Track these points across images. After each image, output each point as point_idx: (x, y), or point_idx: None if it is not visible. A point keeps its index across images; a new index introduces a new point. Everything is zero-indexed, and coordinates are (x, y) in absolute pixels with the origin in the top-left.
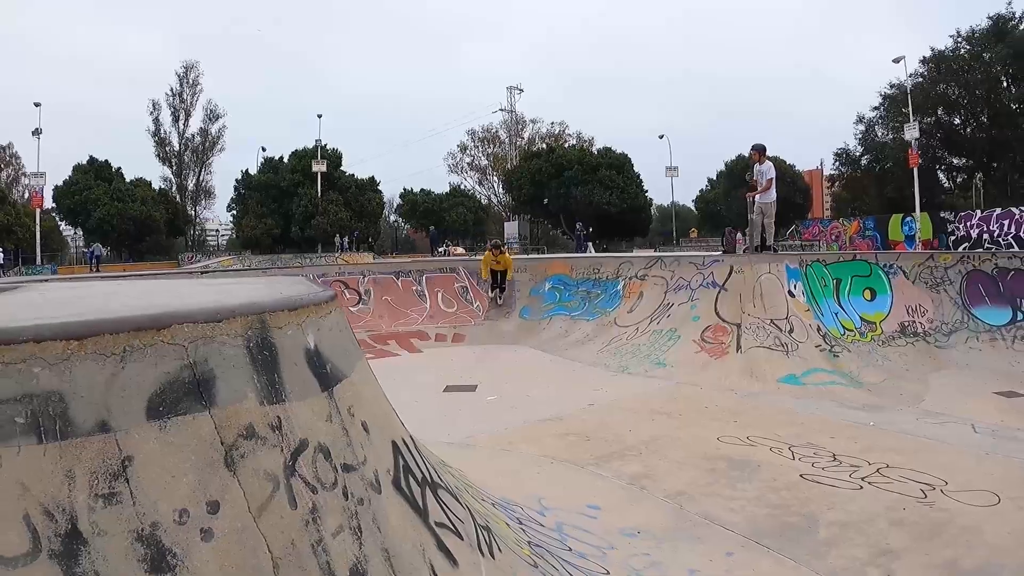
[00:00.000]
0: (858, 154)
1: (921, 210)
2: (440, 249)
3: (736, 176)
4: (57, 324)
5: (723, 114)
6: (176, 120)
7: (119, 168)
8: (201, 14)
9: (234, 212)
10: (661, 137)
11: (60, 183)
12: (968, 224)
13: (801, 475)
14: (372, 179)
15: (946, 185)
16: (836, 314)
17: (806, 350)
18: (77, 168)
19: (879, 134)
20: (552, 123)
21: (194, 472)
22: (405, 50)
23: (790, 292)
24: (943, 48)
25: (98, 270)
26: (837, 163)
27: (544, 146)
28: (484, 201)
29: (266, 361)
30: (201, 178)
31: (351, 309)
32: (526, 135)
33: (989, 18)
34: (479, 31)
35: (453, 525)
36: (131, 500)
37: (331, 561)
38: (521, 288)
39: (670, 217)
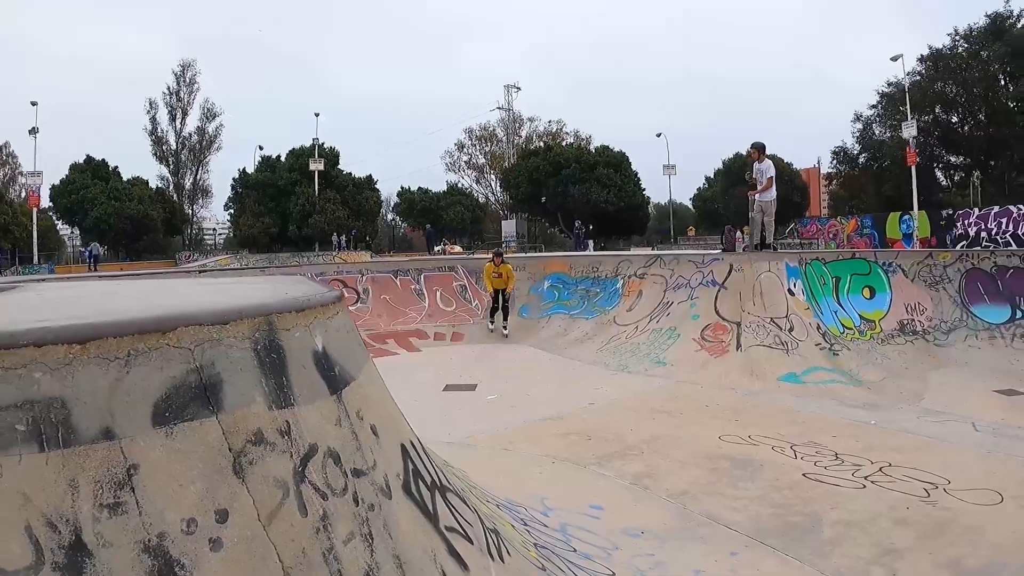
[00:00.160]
0: (856, 152)
1: (919, 208)
2: (437, 248)
3: (734, 174)
4: (59, 327)
5: (723, 114)
6: (173, 119)
7: (116, 167)
8: (201, 14)
9: (231, 211)
10: (659, 135)
11: (57, 182)
12: (966, 222)
13: (804, 474)
14: (370, 177)
15: (944, 183)
16: (835, 312)
17: (806, 348)
18: (74, 167)
19: (877, 132)
20: (549, 121)
21: (202, 480)
22: (405, 50)
23: (790, 290)
24: (941, 46)
25: (96, 269)
26: (835, 161)
27: (542, 144)
28: (481, 200)
29: (274, 364)
30: (198, 177)
31: (350, 308)
32: (523, 133)
33: (987, 16)
34: (479, 31)
35: (463, 529)
36: (137, 510)
37: (343, 569)
38: (520, 286)
39: (668, 215)
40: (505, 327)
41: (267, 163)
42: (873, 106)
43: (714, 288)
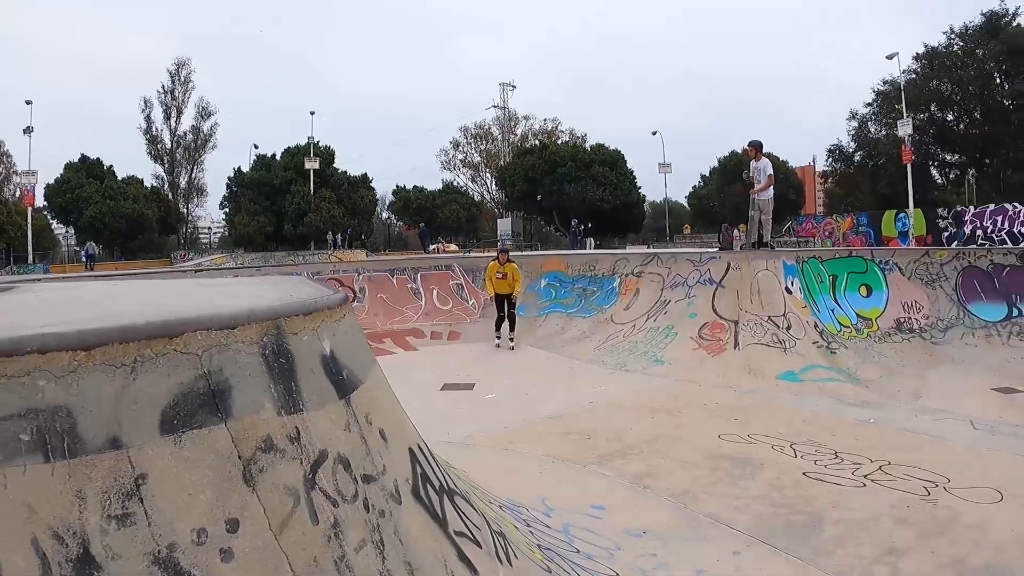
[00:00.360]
0: (851, 150)
1: (914, 206)
2: (432, 247)
3: (729, 172)
4: (63, 333)
5: (723, 114)
6: (168, 118)
7: (111, 166)
8: (201, 14)
9: (227, 210)
10: (654, 133)
11: (52, 181)
12: (961, 220)
13: (804, 473)
14: (365, 176)
15: (939, 181)
16: (833, 310)
17: (804, 347)
18: (69, 166)
19: (872, 130)
20: (545, 120)
21: (211, 489)
22: (405, 50)
23: (787, 289)
24: (937, 44)
25: (92, 269)
26: (830, 159)
27: (537, 143)
28: (477, 198)
29: (282, 369)
30: (193, 176)
31: None
32: (519, 131)
33: (983, 15)
34: (479, 31)
35: (471, 533)
36: (146, 520)
37: None
38: None
39: (663, 213)
40: (512, 339)
41: (262, 162)
42: (869, 104)
43: (711, 286)
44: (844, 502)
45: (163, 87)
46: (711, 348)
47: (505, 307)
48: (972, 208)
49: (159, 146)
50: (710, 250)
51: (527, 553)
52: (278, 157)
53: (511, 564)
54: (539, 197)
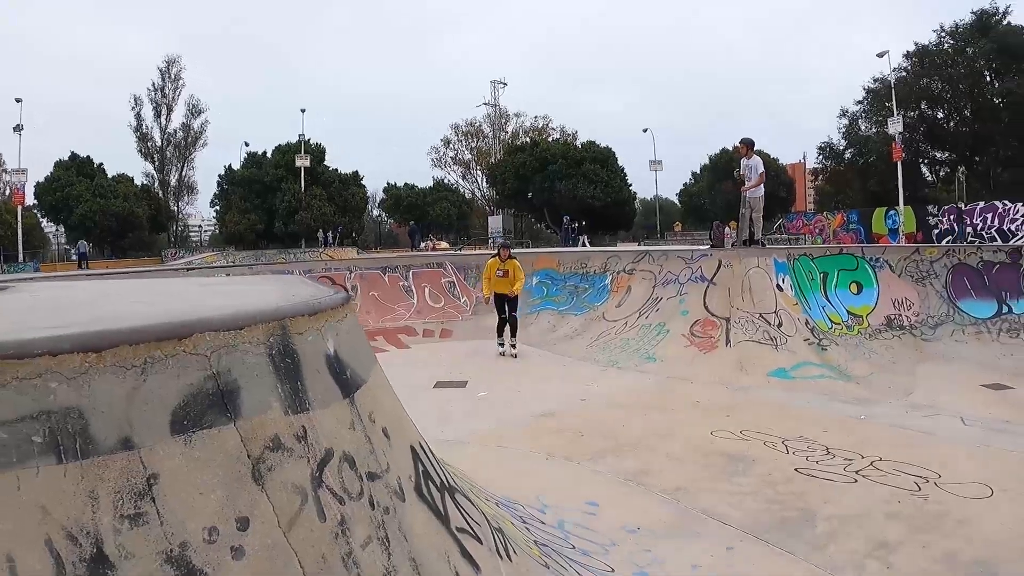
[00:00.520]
0: (842, 148)
1: (904, 203)
2: (422, 244)
3: (720, 169)
4: (74, 335)
5: (723, 114)
6: (158, 115)
7: (101, 164)
8: (201, 14)
9: (217, 208)
10: (645, 131)
11: (41, 179)
12: (951, 218)
13: (796, 469)
14: (356, 173)
15: (929, 179)
16: (823, 307)
17: (795, 344)
18: (58, 164)
19: (863, 128)
20: (536, 117)
21: (222, 488)
22: (405, 50)
23: (778, 286)
24: (927, 43)
25: (87, 267)
26: (820, 157)
27: (528, 140)
28: (468, 195)
29: (288, 369)
30: (183, 173)
31: None
32: (510, 129)
33: (973, 13)
34: (480, 31)
35: (472, 529)
36: (158, 520)
37: (362, 574)
38: None
39: (654, 211)
40: (514, 345)
41: (253, 159)
42: (859, 102)
43: (703, 284)
44: (836, 497)
45: (153, 84)
46: (703, 345)
47: (506, 309)
48: (963, 205)
49: (149, 143)
50: (701, 247)
51: (525, 549)
52: (269, 155)
53: (511, 560)
54: (530, 194)
